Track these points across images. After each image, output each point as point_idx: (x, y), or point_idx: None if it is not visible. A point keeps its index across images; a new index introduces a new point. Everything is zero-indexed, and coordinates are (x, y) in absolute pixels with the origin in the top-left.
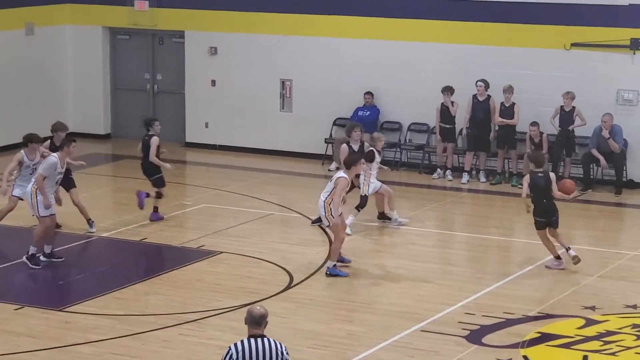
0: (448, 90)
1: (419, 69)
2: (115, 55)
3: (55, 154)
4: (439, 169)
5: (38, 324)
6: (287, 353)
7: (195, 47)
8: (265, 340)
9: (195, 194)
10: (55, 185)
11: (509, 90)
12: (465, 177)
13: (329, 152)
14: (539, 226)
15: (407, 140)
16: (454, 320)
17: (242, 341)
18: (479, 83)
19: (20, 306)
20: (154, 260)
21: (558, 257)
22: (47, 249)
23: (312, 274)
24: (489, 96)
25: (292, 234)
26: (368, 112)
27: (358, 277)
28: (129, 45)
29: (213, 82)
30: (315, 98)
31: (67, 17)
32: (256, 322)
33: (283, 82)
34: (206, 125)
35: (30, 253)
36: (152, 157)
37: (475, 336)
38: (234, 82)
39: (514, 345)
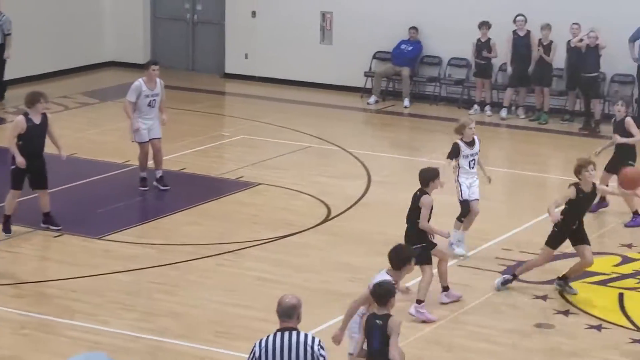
0: (484, 25)
1: (459, 3)
2: None
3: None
4: (476, 105)
5: (78, 251)
6: (321, 347)
7: None
8: (294, 334)
9: (234, 125)
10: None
11: (547, 27)
12: (504, 112)
13: (368, 85)
14: None
15: (447, 75)
16: (491, 255)
17: (267, 337)
18: (519, 18)
19: (59, 233)
20: (193, 191)
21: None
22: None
23: (350, 207)
24: (528, 31)
25: (330, 167)
26: (411, 47)
27: (391, 213)
28: None
29: (253, 13)
30: (355, 31)
31: None
32: (286, 314)
33: (323, 15)
34: (246, 56)
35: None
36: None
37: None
38: (275, 13)
39: (550, 282)
